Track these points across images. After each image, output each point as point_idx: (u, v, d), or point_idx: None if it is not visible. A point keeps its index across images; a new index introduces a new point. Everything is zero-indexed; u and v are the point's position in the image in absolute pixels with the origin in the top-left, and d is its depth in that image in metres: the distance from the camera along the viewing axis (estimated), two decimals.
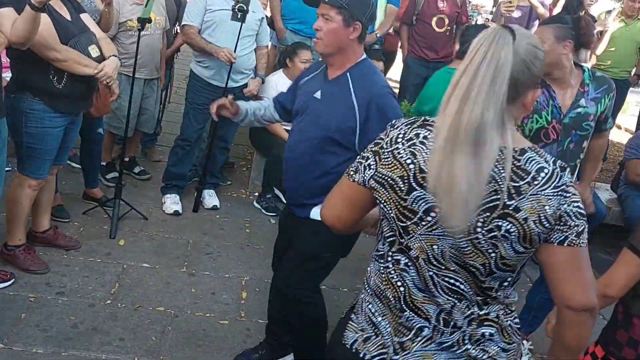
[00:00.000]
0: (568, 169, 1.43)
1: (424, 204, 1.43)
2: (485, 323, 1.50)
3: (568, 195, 1.39)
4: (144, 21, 3.90)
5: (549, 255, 1.42)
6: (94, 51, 3.28)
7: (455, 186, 1.30)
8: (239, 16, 4.17)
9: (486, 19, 17.90)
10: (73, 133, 3.52)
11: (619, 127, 9.94)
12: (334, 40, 2.42)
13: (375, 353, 1.56)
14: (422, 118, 1.50)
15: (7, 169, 4.50)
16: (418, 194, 1.43)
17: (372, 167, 1.52)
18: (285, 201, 4.98)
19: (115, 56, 3.41)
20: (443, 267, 1.46)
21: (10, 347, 2.81)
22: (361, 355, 1.57)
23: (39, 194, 3.48)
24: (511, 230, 1.37)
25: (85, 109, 3.52)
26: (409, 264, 1.51)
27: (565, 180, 1.39)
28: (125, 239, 3.99)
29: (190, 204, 4.61)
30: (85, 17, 3.41)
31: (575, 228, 1.40)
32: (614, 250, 5.15)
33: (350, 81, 2.47)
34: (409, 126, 1.49)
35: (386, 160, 1.48)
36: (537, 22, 5.86)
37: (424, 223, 1.44)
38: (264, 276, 3.83)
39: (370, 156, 1.53)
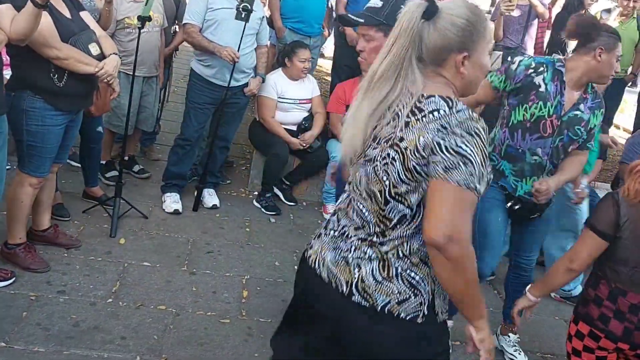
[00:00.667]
0: (469, 121, 1.54)
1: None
2: (373, 247, 1.68)
3: (447, 131, 1.51)
4: (144, 19, 3.89)
5: (428, 189, 1.56)
6: (94, 49, 3.27)
7: (357, 118, 1.66)
8: (243, 15, 4.16)
9: None
10: (73, 131, 3.51)
11: (618, 127, 9.95)
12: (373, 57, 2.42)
13: (310, 245, 1.88)
14: None
15: (6, 167, 4.53)
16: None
17: None
18: (284, 199, 4.98)
19: (116, 54, 3.40)
20: (358, 193, 1.72)
21: (11, 346, 2.80)
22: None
23: (40, 193, 3.47)
24: (395, 157, 1.58)
25: (85, 107, 3.51)
26: (347, 188, 1.82)
27: (453, 122, 1.52)
28: (126, 237, 3.98)
29: (190, 203, 4.60)
30: (85, 15, 3.40)
31: (443, 162, 1.50)
32: None
33: None
34: None
35: None
36: (536, 21, 5.86)
37: (356, 155, 1.73)
38: (265, 275, 3.83)
39: None
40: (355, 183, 1.73)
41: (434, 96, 1.59)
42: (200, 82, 4.49)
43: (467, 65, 1.63)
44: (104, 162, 4.84)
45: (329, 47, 6.92)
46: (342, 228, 1.77)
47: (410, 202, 1.60)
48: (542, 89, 2.93)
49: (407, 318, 1.63)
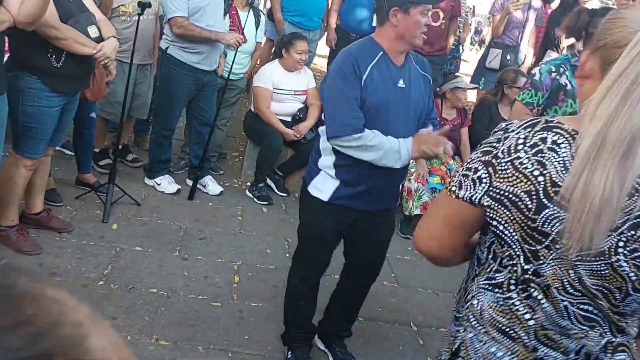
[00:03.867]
0: None
1: (557, 224, 1.20)
2: (620, 349, 1.29)
3: None
4: (144, 6, 3.91)
5: None
6: (93, 31, 3.29)
7: (589, 196, 1.12)
8: (250, 1, 4.33)
9: (478, 22, 18.00)
10: (69, 114, 3.52)
11: None
12: None
13: None
14: (544, 119, 1.27)
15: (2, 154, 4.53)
16: (550, 212, 1.20)
17: (484, 180, 1.27)
18: (277, 189, 4.98)
19: (114, 37, 3.42)
20: (579, 295, 1.25)
21: None
22: None
23: (33, 175, 3.47)
24: None
25: (82, 88, 3.52)
26: (539, 295, 1.27)
27: None
28: (118, 223, 3.99)
29: (184, 192, 4.63)
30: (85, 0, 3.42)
31: None
32: None
33: (414, 62, 2.60)
34: (530, 129, 1.25)
35: (505, 172, 1.24)
36: (533, 19, 5.88)
37: (557, 246, 1.21)
38: (256, 262, 3.84)
39: (480, 167, 1.28)
40: (568, 284, 1.25)
41: None
42: (182, 69, 4.39)
43: None
44: (97, 150, 4.85)
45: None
46: (576, 353, 1.30)
47: None
48: (569, 87, 2.90)
49: None
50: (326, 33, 6.27)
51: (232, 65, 4.51)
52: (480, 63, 6.23)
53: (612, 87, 1.12)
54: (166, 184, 4.64)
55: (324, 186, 2.59)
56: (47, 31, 3.08)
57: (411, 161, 4.73)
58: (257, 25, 4.99)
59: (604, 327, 1.27)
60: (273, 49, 5.89)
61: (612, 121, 1.10)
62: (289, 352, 2.94)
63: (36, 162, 3.38)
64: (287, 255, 3.94)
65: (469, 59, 14.23)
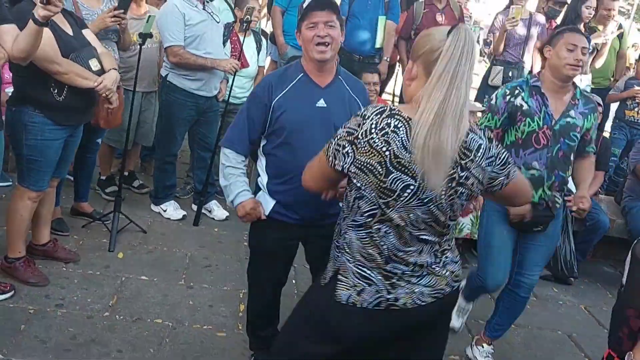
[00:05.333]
0: (495, 141, 1.89)
1: (400, 183, 1.77)
2: (444, 250, 1.97)
3: (493, 158, 1.86)
4: (145, 36, 3.96)
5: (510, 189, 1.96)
6: (94, 64, 3.32)
7: (442, 150, 1.69)
8: (245, 27, 4.38)
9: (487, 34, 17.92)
10: (72, 145, 3.54)
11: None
12: (337, 45, 2.54)
13: (372, 299, 1.90)
14: (388, 107, 1.80)
15: (7, 184, 4.56)
16: (395, 176, 1.76)
17: (350, 155, 1.81)
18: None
19: (115, 69, 3.45)
20: (416, 227, 1.85)
21: (9, 359, 2.81)
22: (359, 306, 1.90)
23: (39, 207, 3.50)
24: (463, 192, 1.83)
25: (85, 121, 3.55)
26: (389, 230, 1.86)
27: (493, 152, 1.86)
28: (124, 252, 4.00)
29: (189, 218, 4.64)
30: (87, 33, 3.46)
31: (508, 172, 1.92)
32: (617, 263, 5.15)
33: (344, 82, 2.60)
34: (379, 116, 1.78)
35: (364, 149, 1.77)
36: (535, 35, 5.87)
37: (401, 198, 1.79)
38: None
39: (347, 145, 1.81)
40: (409, 222, 1.84)
41: (469, 131, 1.81)
42: (183, 96, 4.43)
43: None
44: (104, 177, 4.88)
45: None
46: (414, 264, 1.92)
47: (459, 215, 1.96)
48: (525, 107, 3.03)
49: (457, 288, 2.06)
50: None
51: (230, 89, 4.52)
52: (483, 81, 6.22)
53: (440, 79, 1.67)
54: (172, 210, 4.65)
55: (265, 201, 2.66)
56: (49, 66, 3.12)
57: None
58: (259, 50, 5.02)
59: (433, 243, 1.91)
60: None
61: (447, 100, 1.67)
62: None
63: (41, 194, 3.41)
64: (294, 281, 3.93)
65: (477, 71, 14.21)
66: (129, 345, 3.06)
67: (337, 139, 1.84)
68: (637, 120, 5.89)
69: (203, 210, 4.72)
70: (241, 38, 4.69)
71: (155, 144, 4.86)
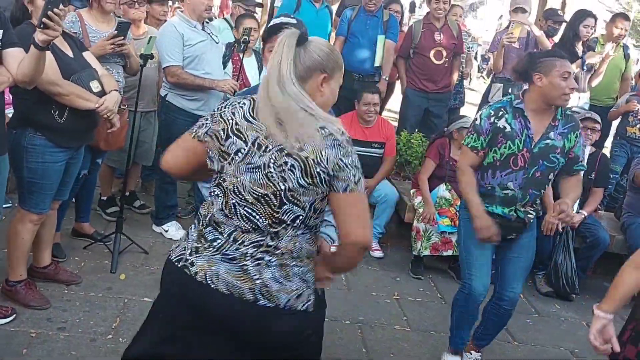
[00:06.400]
0: (346, 135, 1.87)
1: (234, 147, 1.89)
2: (269, 252, 1.89)
3: (343, 149, 1.83)
4: (146, 57, 3.97)
5: (336, 201, 1.86)
6: (95, 86, 3.32)
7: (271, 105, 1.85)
8: (242, 47, 4.40)
9: (485, 50, 18.14)
10: (74, 167, 3.53)
11: None
12: None
13: (178, 253, 2.00)
14: (250, 96, 1.97)
15: (7, 205, 4.54)
16: (232, 141, 1.90)
17: (206, 125, 1.97)
18: None
19: (117, 91, 3.46)
20: (243, 198, 1.88)
21: None
22: (170, 258, 2.01)
23: (40, 229, 3.48)
24: (295, 165, 1.82)
25: (86, 142, 3.55)
26: (220, 193, 1.94)
27: (343, 139, 1.85)
28: (126, 273, 3.98)
29: None
30: (87, 55, 3.47)
31: (354, 177, 1.84)
32: None
33: None
34: (238, 97, 2.04)
35: (215, 118, 1.96)
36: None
37: (233, 162, 1.90)
38: None
39: (207, 118, 1.99)
40: (236, 188, 1.90)
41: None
42: (182, 116, 4.41)
43: (324, 87, 1.97)
44: (104, 198, 4.87)
45: None
46: (228, 236, 1.92)
47: (304, 204, 1.86)
48: (508, 129, 3.08)
49: (303, 309, 1.92)
50: None
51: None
52: (483, 98, 6.26)
53: (271, 71, 1.88)
54: (174, 230, 4.64)
55: None
56: (50, 88, 3.12)
57: (418, 200, 4.77)
58: (260, 69, 5.03)
59: (263, 232, 1.88)
60: None
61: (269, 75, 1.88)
62: None
63: (42, 216, 3.40)
64: None
65: (477, 87, 14.32)
66: None
67: (204, 118, 2.03)
68: (638, 137, 5.91)
69: None
70: (247, 59, 4.70)
71: (155, 163, 4.85)
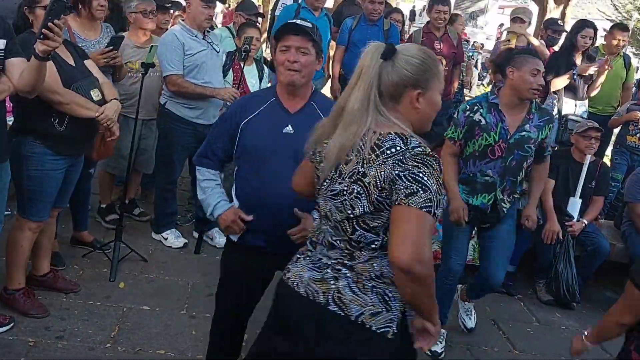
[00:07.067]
0: (423, 155, 1.74)
1: (321, 173, 1.91)
2: (346, 267, 1.84)
3: (404, 165, 1.71)
4: (147, 66, 3.98)
5: (391, 215, 1.73)
6: (95, 95, 3.33)
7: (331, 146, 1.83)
8: (243, 56, 4.48)
9: (486, 58, 18.18)
10: (73, 175, 3.53)
11: None
12: (310, 72, 2.53)
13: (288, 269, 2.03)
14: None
15: (6, 213, 4.52)
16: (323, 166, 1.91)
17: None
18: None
19: (117, 99, 3.46)
20: (328, 223, 1.91)
21: None
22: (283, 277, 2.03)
23: (39, 237, 3.47)
24: (360, 192, 1.77)
25: (86, 151, 3.55)
26: (317, 216, 2.04)
27: (408, 155, 1.73)
28: (125, 281, 3.97)
29: (190, 247, 4.61)
30: (88, 63, 3.47)
31: (405, 190, 1.69)
32: (619, 288, 5.11)
33: (316, 107, 2.57)
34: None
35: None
36: None
37: (322, 187, 1.92)
38: (264, 317, 3.78)
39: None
40: (326, 214, 1.91)
41: (390, 134, 1.78)
42: (181, 124, 4.44)
43: (421, 102, 1.83)
44: (104, 205, 4.86)
45: None
46: (318, 253, 1.95)
47: (377, 230, 1.79)
48: (483, 122, 3.42)
49: (378, 330, 1.77)
50: (329, 82, 6.34)
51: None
52: None
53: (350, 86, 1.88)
54: (173, 238, 4.63)
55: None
56: (50, 96, 3.12)
57: None
58: (261, 77, 5.04)
59: (342, 251, 1.87)
60: None
61: (344, 104, 1.87)
62: None
63: (41, 224, 3.39)
64: None
65: (476, 95, 14.32)
66: None
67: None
68: (638, 146, 5.91)
69: (204, 238, 4.70)
70: (248, 67, 4.73)
71: (155, 171, 4.86)
